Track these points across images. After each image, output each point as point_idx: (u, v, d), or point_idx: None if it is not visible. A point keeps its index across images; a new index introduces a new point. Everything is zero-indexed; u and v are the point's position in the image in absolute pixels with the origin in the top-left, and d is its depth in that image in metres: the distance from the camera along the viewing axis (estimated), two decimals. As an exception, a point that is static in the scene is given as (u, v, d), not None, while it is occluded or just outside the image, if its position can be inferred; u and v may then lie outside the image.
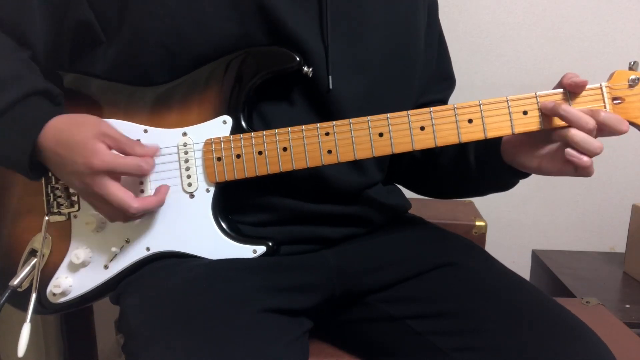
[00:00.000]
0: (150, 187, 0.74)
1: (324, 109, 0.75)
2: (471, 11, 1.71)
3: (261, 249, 0.74)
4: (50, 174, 0.76)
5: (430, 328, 0.71)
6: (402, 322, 0.74)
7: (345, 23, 0.75)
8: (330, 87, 0.74)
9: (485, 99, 0.70)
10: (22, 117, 0.70)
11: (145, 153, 0.71)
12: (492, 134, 0.70)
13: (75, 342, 1.26)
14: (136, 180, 0.73)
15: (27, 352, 0.72)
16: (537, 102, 0.70)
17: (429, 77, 0.90)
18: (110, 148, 0.68)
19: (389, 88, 0.81)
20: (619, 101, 0.70)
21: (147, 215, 0.74)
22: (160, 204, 0.73)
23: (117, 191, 0.67)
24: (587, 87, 0.69)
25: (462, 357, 0.67)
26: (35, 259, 0.76)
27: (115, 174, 0.68)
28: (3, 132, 0.70)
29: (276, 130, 0.72)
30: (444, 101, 0.94)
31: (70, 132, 0.68)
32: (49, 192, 0.77)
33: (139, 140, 0.74)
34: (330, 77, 0.74)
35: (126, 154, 0.69)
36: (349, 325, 0.81)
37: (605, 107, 0.69)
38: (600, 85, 0.70)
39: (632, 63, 0.69)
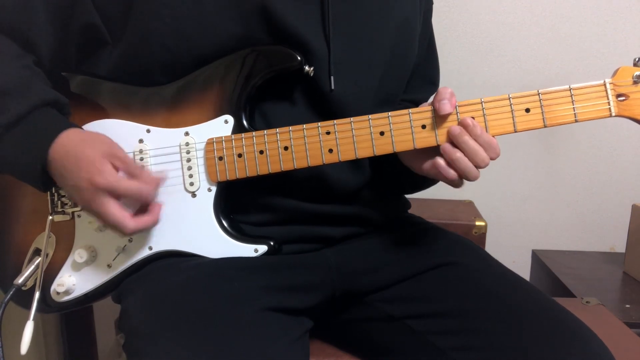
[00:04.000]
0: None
1: (326, 109, 0.75)
2: (471, 11, 1.71)
3: (263, 248, 0.74)
4: None
5: (429, 328, 0.71)
6: (401, 322, 0.74)
7: (346, 24, 0.76)
8: (332, 87, 0.75)
9: (487, 97, 0.69)
10: (33, 128, 0.70)
11: (150, 181, 0.70)
12: (494, 132, 0.70)
13: (75, 342, 1.26)
14: None
15: (27, 352, 0.73)
16: (540, 100, 0.69)
17: (414, 77, 0.90)
18: (117, 170, 0.69)
19: (388, 89, 0.82)
20: (624, 98, 0.69)
21: None
22: (156, 221, 0.73)
23: (114, 211, 0.67)
24: (591, 83, 0.69)
25: (462, 356, 0.67)
26: (40, 258, 0.76)
27: (115, 195, 0.68)
28: (14, 143, 0.70)
29: (277, 130, 0.72)
30: (424, 100, 0.95)
31: (82, 147, 0.68)
32: (53, 191, 0.77)
33: (141, 140, 0.75)
34: (332, 77, 0.74)
35: (132, 176, 0.69)
36: (349, 325, 0.81)
37: (609, 104, 0.69)
38: (604, 82, 0.69)
39: (637, 59, 0.68)
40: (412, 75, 0.89)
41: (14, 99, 0.70)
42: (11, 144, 0.70)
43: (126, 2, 0.72)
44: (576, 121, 0.69)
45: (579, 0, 1.69)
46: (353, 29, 0.76)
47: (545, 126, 0.69)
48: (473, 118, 0.69)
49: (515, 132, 0.70)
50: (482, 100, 0.69)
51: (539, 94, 0.69)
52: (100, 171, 0.66)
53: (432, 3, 0.92)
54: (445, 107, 0.68)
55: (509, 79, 1.74)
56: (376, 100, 0.79)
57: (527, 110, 0.69)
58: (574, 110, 0.69)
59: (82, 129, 0.73)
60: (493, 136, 0.70)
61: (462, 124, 0.68)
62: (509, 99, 0.69)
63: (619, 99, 0.69)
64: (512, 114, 0.69)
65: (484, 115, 0.69)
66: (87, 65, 0.79)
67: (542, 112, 0.69)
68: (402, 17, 0.81)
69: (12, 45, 0.74)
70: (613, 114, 0.69)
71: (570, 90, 0.69)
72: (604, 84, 0.69)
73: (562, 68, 1.72)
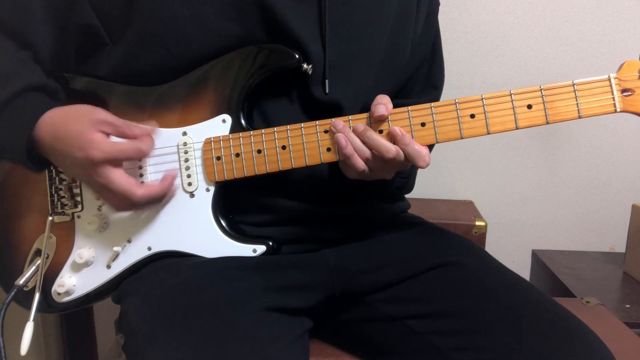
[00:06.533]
0: (150, 180, 0.75)
1: (321, 112, 0.75)
2: (471, 11, 1.71)
3: (261, 248, 0.74)
4: (52, 173, 0.77)
5: (429, 328, 0.71)
6: (401, 322, 0.74)
7: (343, 27, 0.76)
8: (327, 91, 0.75)
9: (488, 93, 0.68)
10: (17, 112, 0.70)
11: (143, 132, 0.70)
12: (495, 129, 0.69)
13: (75, 342, 1.26)
14: (136, 172, 0.74)
15: (27, 352, 0.73)
16: (542, 96, 0.68)
17: (415, 80, 0.90)
18: (108, 135, 0.68)
19: (381, 92, 0.81)
20: (629, 93, 0.67)
21: (149, 214, 0.74)
22: (165, 192, 0.72)
23: (121, 178, 0.67)
24: (595, 78, 0.67)
25: (462, 357, 0.67)
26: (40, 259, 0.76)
27: (116, 162, 0.67)
28: (3, 126, 0.71)
29: (275, 129, 0.72)
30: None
31: (66, 125, 0.68)
32: (53, 192, 0.77)
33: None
34: (327, 81, 0.74)
35: (125, 137, 0.69)
36: (349, 325, 0.81)
37: (614, 100, 0.67)
38: (609, 76, 0.67)
39: None
40: (413, 78, 0.89)
41: (2, 84, 0.70)
42: (1, 127, 0.70)
43: (125, 3, 0.72)
44: (580, 117, 0.68)
45: (578, 0, 1.69)
46: (349, 32, 0.76)
47: (547, 122, 0.68)
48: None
49: (517, 128, 0.69)
50: (483, 96, 0.68)
51: (541, 90, 0.68)
52: (93, 143, 0.65)
53: (438, 4, 0.91)
54: (380, 110, 0.69)
55: (509, 79, 1.74)
56: (369, 103, 0.79)
57: (529, 106, 0.68)
58: (578, 106, 0.67)
59: (64, 106, 0.72)
60: (494, 133, 0.69)
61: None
62: (511, 95, 0.68)
63: (624, 94, 0.67)
64: (514, 110, 0.68)
65: (484, 112, 0.69)
66: (87, 66, 0.79)
67: (545, 108, 0.68)
68: (397, 20, 0.81)
69: (9, 42, 0.74)
70: (618, 110, 0.68)
71: (573, 85, 0.67)
72: (609, 79, 0.67)
73: (562, 68, 1.72)
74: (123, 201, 0.69)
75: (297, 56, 0.71)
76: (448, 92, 0.99)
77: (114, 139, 0.69)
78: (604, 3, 1.68)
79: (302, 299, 0.73)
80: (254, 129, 0.73)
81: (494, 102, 0.68)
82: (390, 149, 0.68)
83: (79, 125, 0.67)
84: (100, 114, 0.68)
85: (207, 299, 0.65)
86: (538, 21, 1.71)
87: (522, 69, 1.74)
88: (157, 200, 0.72)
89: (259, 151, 0.72)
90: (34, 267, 0.76)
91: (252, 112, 0.75)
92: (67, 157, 0.67)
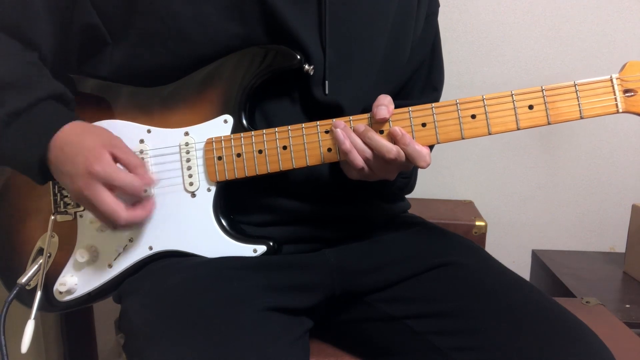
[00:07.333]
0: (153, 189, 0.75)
1: (321, 113, 0.75)
2: (471, 11, 1.71)
3: (261, 249, 0.74)
4: None
5: (429, 328, 0.71)
6: (401, 322, 0.74)
7: (342, 28, 0.76)
8: (327, 92, 0.75)
9: (489, 94, 0.68)
10: (39, 119, 0.70)
11: (145, 178, 0.70)
12: (496, 129, 0.69)
13: (75, 342, 1.26)
14: None
15: (27, 352, 0.73)
16: (544, 96, 0.68)
17: (415, 83, 0.90)
18: (116, 162, 0.69)
19: (382, 91, 0.81)
20: (631, 94, 0.67)
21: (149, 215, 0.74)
22: (148, 217, 0.73)
23: (109, 199, 0.67)
24: (597, 79, 0.67)
25: (462, 357, 0.67)
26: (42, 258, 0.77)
27: (110, 185, 0.67)
28: (17, 133, 0.70)
29: (276, 129, 0.72)
30: None
31: (83, 136, 0.69)
32: (56, 192, 0.78)
33: (142, 140, 0.75)
34: (327, 82, 0.75)
35: (129, 171, 0.70)
36: (349, 325, 0.81)
37: (615, 100, 0.67)
38: (611, 77, 0.67)
39: None
40: (413, 79, 0.89)
41: (20, 90, 0.70)
42: (15, 133, 0.70)
43: (125, 2, 0.72)
44: (581, 118, 0.68)
45: (578, 0, 1.69)
46: (349, 33, 0.76)
47: (549, 123, 0.68)
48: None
49: (518, 129, 0.69)
50: (484, 97, 0.68)
51: (542, 90, 0.68)
52: (99, 159, 0.67)
53: (438, 6, 0.91)
54: (382, 112, 0.69)
55: (509, 79, 1.74)
56: (369, 104, 0.79)
57: (531, 107, 0.68)
58: (579, 107, 0.67)
59: (86, 122, 0.73)
60: (495, 133, 0.69)
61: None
62: (512, 95, 0.68)
63: (627, 94, 0.67)
64: (515, 110, 0.68)
65: (485, 112, 0.69)
66: (88, 66, 0.79)
67: (546, 109, 0.68)
68: (397, 21, 0.81)
69: (14, 43, 0.74)
70: (620, 110, 0.67)
71: (575, 86, 0.67)
72: (611, 79, 0.67)
73: (562, 68, 1.72)
74: (106, 221, 0.69)
75: (298, 57, 0.71)
76: (448, 92, 0.99)
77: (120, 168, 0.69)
78: (604, 3, 1.68)
79: (302, 298, 0.74)
80: (256, 129, 0.73)
81: (495, 103, 0.68)
82: (391, 150, 0.68)
83: (94, 142, 0.68)
84: (118, 141, 0.71)
85: (207, 299, 0.66)
86: (538, 21, 1.71)
87: (522, 69, 1.74)
88: (137, 225, 0.74)
89: (260, 151, 0.72)
90: (36, 266, 0.77)
91: (254, 112, 0.75)
92: (68, 163, 0.68)
